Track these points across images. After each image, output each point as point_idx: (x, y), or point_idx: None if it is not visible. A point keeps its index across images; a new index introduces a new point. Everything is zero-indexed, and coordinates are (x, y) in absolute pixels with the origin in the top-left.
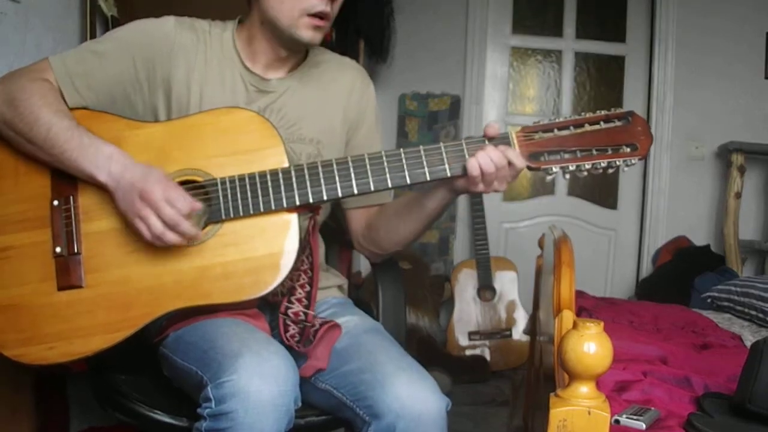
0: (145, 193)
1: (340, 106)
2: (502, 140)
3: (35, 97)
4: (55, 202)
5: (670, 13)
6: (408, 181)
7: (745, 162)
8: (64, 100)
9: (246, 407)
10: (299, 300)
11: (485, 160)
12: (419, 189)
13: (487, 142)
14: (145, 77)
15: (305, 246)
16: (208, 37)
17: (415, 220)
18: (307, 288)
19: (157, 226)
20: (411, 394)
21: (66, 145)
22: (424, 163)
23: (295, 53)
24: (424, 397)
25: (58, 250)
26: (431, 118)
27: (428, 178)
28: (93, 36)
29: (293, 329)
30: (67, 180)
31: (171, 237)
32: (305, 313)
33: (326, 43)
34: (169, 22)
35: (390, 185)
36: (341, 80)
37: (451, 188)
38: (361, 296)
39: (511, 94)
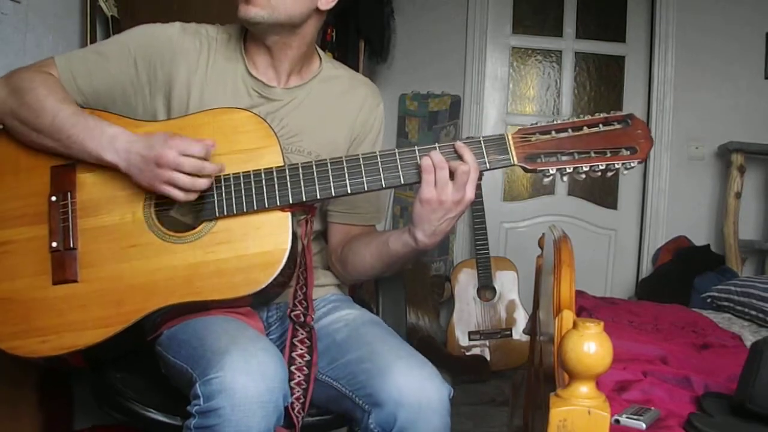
0: (160, 158)
1: (346, 123)
2: (497, 141)
3: (40, 87)
4: (53, 198)
5: (670, 13)
6: (402, 181)
7: (745, 162)
8: None
9: (233, 404)
10: (300, 302)
11: (437, 155)
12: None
13: (459, 143)
14: (146, 80)
15: (300, 247)
16: (213, 42)
17: (376, 252)
18: (305, 289)
19: (185, 180)
20: (410, 382)
21: (72, 130)
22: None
23: (279, 48)
24: (424, 385)
25: (54, 244)
26: (431, 118)
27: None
28: (93, 36)
29: (302, 334)
30: (65, 176)
31: (202, 183)
32: (305, 315)
33: (326, 43)
34: (174, 27)
35: (384, 185)
36: (352, 97)
37: (412, 235)
38: (361, 296)
39: (511, 94)
